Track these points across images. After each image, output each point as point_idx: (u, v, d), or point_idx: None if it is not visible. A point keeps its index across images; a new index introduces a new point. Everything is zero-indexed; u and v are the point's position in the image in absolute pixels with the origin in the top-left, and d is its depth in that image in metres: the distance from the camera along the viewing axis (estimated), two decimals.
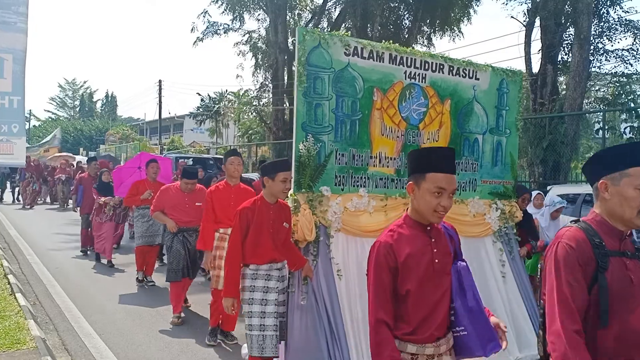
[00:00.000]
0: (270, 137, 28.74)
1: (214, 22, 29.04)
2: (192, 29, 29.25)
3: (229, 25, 29.07)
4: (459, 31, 26.11)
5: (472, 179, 6.45)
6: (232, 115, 45.03)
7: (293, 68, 29.61)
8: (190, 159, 22.57)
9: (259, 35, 29.86)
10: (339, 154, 5.40)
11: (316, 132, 5.24)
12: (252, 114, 35.36)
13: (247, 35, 29.65)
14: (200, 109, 53.48)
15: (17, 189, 25.46)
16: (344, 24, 27.39)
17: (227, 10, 28.35)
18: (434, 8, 23.98)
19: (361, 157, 5.55)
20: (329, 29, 28.05)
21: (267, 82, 29.05)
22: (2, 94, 6.50)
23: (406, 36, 24.36)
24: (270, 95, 28.76)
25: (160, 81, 43.99)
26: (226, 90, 52.22)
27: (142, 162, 9.72)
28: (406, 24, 25.17)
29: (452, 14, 25.28)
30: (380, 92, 5.69)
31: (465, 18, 25.80)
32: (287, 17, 28.64)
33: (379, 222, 5.45)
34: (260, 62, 29.59)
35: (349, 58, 5.49)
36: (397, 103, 5.80)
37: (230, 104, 48.30)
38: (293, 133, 5.18)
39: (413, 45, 24.94)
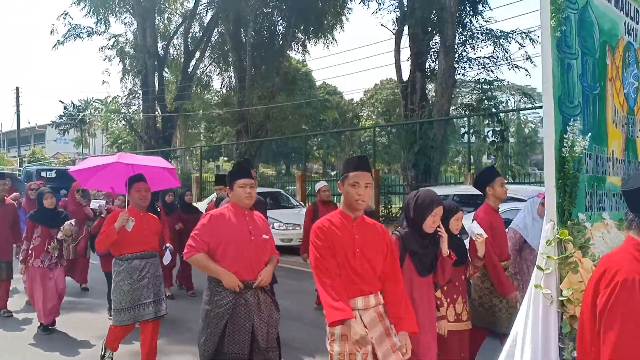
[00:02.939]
0: (141, 146, 27.40)
1: (76, 25, 27.38)
2: (51, 32, 27.31)
3: (92, 29, 27.52)
4: (333, 38, 26.48)
5: None
6: (100, 123, 42.79)
7: (164, 74, 28.73)
8: (54, 171, 20.86)
9: (127, 39, 28.49)
10: (586, 154, 3.23)
11: (570, 116, 3.08)
12: (121, 122, 33.70)
13: (113, 39, 28.16)
14: (64, 118, 50.41)
15: None
16: (216, 29, 26.83)
17: (91, 13, 26.82)
18: (307, 15, 24.05)
19: (601, 160, 3.43)
20: (201, 34, 27.39)
21: (136, 89, 27.74)
22: None
23: (281, 42, 24.21)
24: (141, 102, 27.47)
25: (17, 88, 41.01)
26: (92, 98, 49.67)
27: (117, 175, 5.79)
28: (280, 30, 25.04)
29: (325, 22, 25.55)
30: (610, 52, 3.58)
31: (338, 25, 26.19)
32: (156, 21, 27.56)
33: None
34: (129, 68, 28.22)
35: None
36: (621, 72, 3.70)
37: (97, 112, 45.89)
38: (546, 119, 3.01)
39: (288, 51, 24.92)
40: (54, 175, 19.70)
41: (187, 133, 36.15)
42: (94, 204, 7.75)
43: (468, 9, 19.02)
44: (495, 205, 5.03)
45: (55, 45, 27.46)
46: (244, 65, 22.95)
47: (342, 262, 3.27)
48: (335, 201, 9.74)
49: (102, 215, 7.10)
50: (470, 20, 18.93)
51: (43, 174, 19.61)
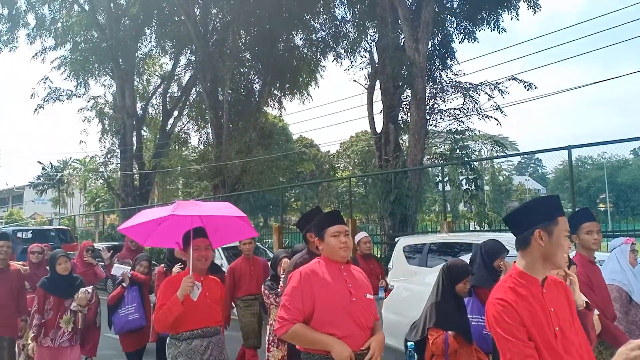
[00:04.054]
0: (118, 204, 27.43)
1: (56, 88, 27.79)
2: (32, 95, 27.53)
3: (72, 91, 27.96)
4: (308, 94, 27.17)
5: None
6: (77, 183, 42.71)
7: (142, 132, 29.10)
8: (30, 232, 20.76)
9: (106, 100, 28.95)
10: None
11: None
12: (99, 180, 33.75)
13: (93, 101, 28.61)
14: (42, 179, 50.22)
15: None
16: (194, 88, 27.40)
17: (71, 77, 27.33)
18: (283, 73, 24.75)
19: None
20: (179, 94, 27.96)
21: (114, 148, 27.96)
22: None
23: (257, 99, 24.77)
24: (119, 161, 27.65)
25: None
26: (70, 158, 49.64)
27: (182, 227, 4.44)
28: (257, 88, 25.66)
29: (300, 79, 26.29)
30: None
31: (312, 82, 26.94)
32: (135, 83, 28.11)
33: None
34: (108, 128, 28.55)
35: None
36: None
37: (75, 171, 45.83)
38: None
39: (264, 108, 25.48)
40: (30, 235, 19.57)
41: (165, 189, 36.27)
42: (117, 270, 6.68)
43: (437, 64, 19.75)
44: (590, 256, 4.17)
45: (36, 109, 27.79)
46: (221, 121, 23.36)
47: (542, 350, 2.34)
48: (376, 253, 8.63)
49: (124, 285, 6.34)
50: (439, 74, 19.62)
51: (19, 234, 19.47)
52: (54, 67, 27.39)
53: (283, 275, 5.04)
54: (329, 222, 3.38)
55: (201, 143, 28.65)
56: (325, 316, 3.12)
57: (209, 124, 25.23)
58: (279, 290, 5.15)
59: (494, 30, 19.82)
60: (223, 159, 22.08)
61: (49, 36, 27.24)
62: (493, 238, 4.90)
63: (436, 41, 19.80)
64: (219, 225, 4.62)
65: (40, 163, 51.04)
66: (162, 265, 6.55)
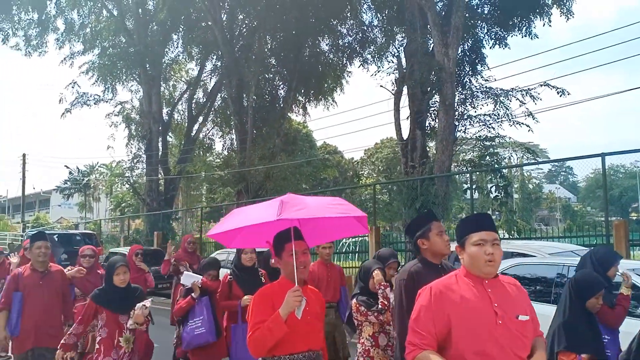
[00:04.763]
0: (144, 209, 27.51)
1: (84, 93, 28.00)
2: (60, 100, 27.77)
3: (100, 96, 28.13)
4: (333, 100, 26.95)
5: None
6: (104, 188, 43.15)
7: (168, 138, 29.26)
8: (55, 235, 20.80)
9: (132, 106, 29.13)
10: None
11: None
12: (125, 185, 34.00)
13: (120, 106, 28.80)
14: (68, 183, 50.89)
15: None
16: (219, 94, 27.41)
17: (98, 82, 27.53)
18: (308, 79, 24.61)
19: None
20: (205, 100, 28.04)
21: (140, 153, 28.07)
22: None
23: (282, 105, 24.63)
24: (144, 166, 27.76)
25: (24, 155, 41.50)
26: (97, 163, 50.28)
27: (274, 225, 3.57)
28: (281, 94, 25.55)
29: (326, 85, 26.10)
30: None
31: (338, 88, 26.72)
32: (162, 88, 28.24)
33: None
34: (134, 133, 28.68)
35: None
36: None
37: (101, 176, 46.35)
38: None
39: (289, 114, 25.35)
40: (55, 238, 19.58)
41: (189, 195, 36.41)
42: (187, 279, 5.77)
43: (467, 69, 19.35)
44: None
45: (64, 113, 28.03)
46: (245, 127, 23.28)
47: None
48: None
49: (194, 295, 5.61)
50: (469, 79, 19.20)
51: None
52: (82, 72, 27.62)
53: (380, 290, 4.63)
54: (474, 227, 2.78)
55: (225, 149, 28.80)
56: (461, 344, 2.58)
57: (234, 130, 25.19)
58: (379, 306, 4.63)
59: (525, 36, 19.36)
60: (247, 165, 21.96)
61: (78, 41, 27.55)
62: (603, 245, 4.61)
63: (466, 47, 19.41)
64: (319, 220, 3.78)
65: (67, 167, 51.90)
66: (228, 272, 5.87)
